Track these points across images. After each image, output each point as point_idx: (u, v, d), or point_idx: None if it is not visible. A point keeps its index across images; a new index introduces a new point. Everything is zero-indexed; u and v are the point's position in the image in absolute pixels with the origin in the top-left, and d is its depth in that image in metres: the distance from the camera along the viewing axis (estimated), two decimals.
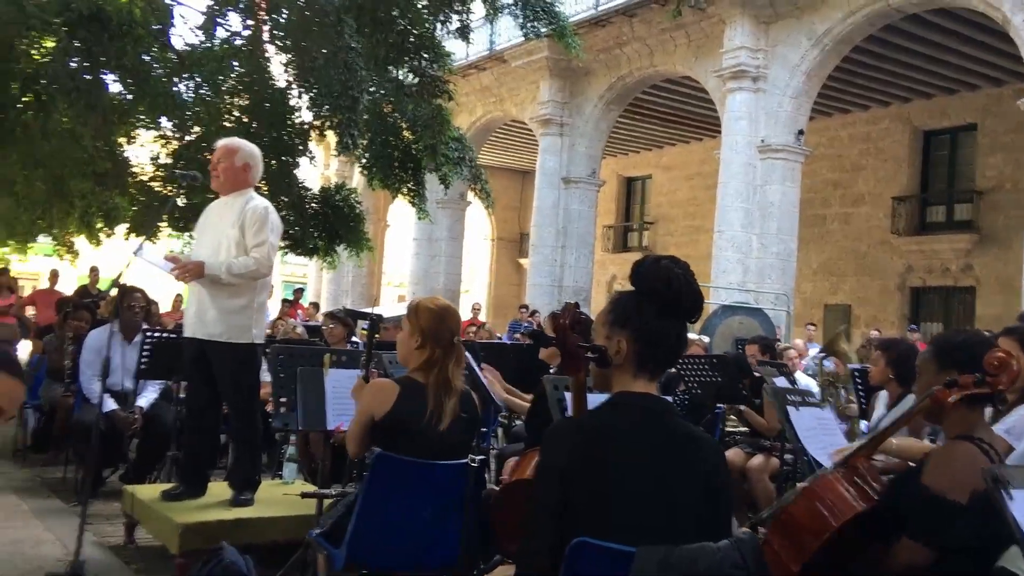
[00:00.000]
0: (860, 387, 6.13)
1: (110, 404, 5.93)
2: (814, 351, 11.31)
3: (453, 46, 12.62)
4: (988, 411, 3.11)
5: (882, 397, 5.03)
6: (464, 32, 12.26)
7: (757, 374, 6.13)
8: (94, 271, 13.38)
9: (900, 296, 18.72)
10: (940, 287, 18.28)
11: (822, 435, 4.18)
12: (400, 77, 11.79)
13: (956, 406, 2.52)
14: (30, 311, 12.75)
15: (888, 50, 15.32)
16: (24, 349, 12.05)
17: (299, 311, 15.52)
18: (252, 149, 4.85)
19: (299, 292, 18.69)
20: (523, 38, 13.86)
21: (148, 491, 4.93)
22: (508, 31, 18.38)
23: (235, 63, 11.56)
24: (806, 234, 16.93)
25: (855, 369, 6.49)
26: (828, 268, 19.78)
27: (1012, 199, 16.93)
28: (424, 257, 22.48)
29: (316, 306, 18.01)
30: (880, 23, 14.22)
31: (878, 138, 19.23)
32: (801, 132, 15.20)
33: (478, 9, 12.71)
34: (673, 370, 6.01)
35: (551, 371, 5.08)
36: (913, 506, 2.44)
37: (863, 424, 5.23)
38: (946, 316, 18.17)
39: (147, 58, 10.94)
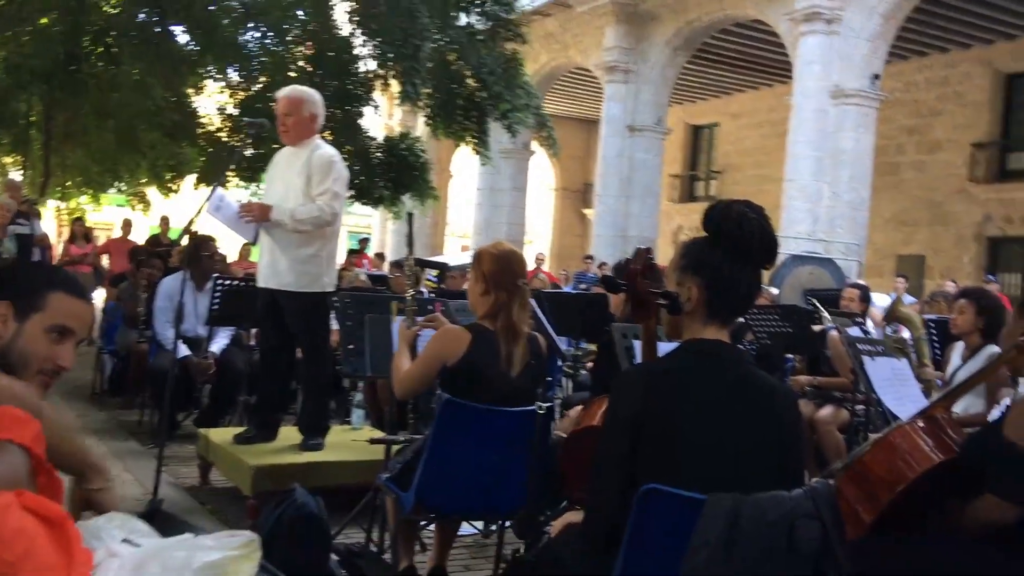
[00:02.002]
0: (935, 338, 5.98)
1: (184, 350, 6.06)
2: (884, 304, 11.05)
3: None
4: None
5: (957, 348, 4.89)
6: None
7: (820, 327, 6.00)
8: (164, 220, 13.65)
9: (976, 246, 18.15)
10: (1020, 237, 17.66)
11: (899, 385, 4.08)
12: (468, 22, 11.67)
13: None
14: (104, 260, 13.08)
15: None
16: (99, 297, 12.40)
17: (364, 260, 15.65)
18: (316, 96, 4.85)
19: (364, 242, 18.83)
20: None
21: (221, 434, 5.05)
22: None
23: (299, 11, 11.58)
24: (879, 183, 16.44)
25: (929, 319, 6.33)
26: (901, 218, 19.24)
27: None
28: (487, 207, 22.43)
29: (381, 256, 18.14)
30: None
31: (957, 82, 18.52)
32: (876, 76, 14.71)
33: None
34: (741, 320, 5.91)
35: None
36: (996, 461, 2.36)
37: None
38: None
39: (213, 8, 11.02)
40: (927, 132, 19.00)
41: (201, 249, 6.52)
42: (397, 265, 8.07)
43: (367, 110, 12.21)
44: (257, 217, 4.60)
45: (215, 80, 12.36)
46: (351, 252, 16.24)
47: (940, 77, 18.79)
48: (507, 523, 3.52)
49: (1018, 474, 2.32)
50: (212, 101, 12.67)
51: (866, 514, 2.40)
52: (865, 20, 14.44)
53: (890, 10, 14.31)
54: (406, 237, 3.85)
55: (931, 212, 18.80)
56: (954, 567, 2.34)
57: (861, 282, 7.82)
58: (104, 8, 11.06)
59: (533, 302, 5.43)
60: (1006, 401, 3.59)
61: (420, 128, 18.26)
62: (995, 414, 3.76)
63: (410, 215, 4.06)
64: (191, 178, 13.15)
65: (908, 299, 11.79)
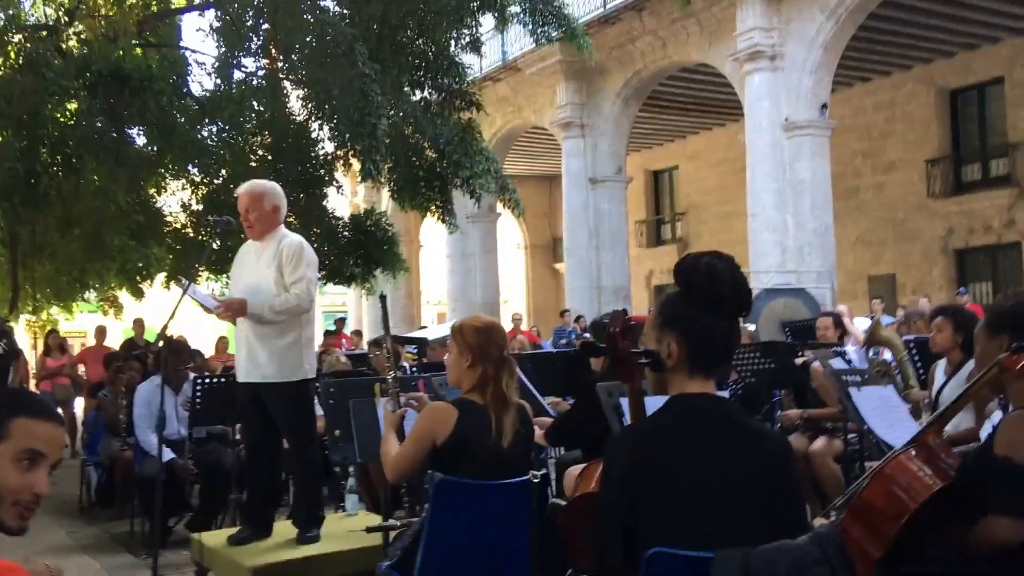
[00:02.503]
0: (916, 358, 6.02)
1: (168, 454, 5.98)
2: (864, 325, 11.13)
3: (466, 60, 12.65)
4: None
5: (940, 366, 4.92)
6: (476, 45, 12.28)
7: (802, 359, 6.03)
8: (138, 323, 13.55)
9: (944, 259, 18.39)
10: (984, 246, 17.92)
11: (887, 413, 4.09)
12: (423, 96, 11.82)
13: (1022, 372, 2.45)
14: (81, 369, 12.94)
15: (904, 12, 15.07)
16: (78, 407, 12.23)
17: (343, 340, 15.58)
18: (275, 188, 4.85)
19: (340, 322, 18.78)
20: (534, 44, 13.85)
21: (215, 537, 4.95)
22: (519, 40, 18.38)
23: (254, 103, 11.69)
24: (841, 207, 16.69)
25: (908, 340, 6.38)
26: (867, 239, 19.50)
27: None
28: (460, 272, 22.51)
29: (359, 334, 18.08)
30: None
31: (903, 102, 18.94)
32: (825, 106, 15.01)
33: (487, 22, 12.72)
34: None
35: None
36: (994, 479, 2.37)
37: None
38: (994, 275, 17.82)
39: (169, 109, 11.10)
40: (881, 154, 19.36)
41: (176, 361, 6.49)
42: (376, 344, 8.02)
43: (330, 191, 12.29)
44: (236, 313, 4.58)
45: (176, 179, 12.41)
46: (327, 333, 16.18)
47: (887, 100, 19.22)
48: None
49: (1017, 487, 2.33)
50: (176, 199, 12.70)
51: (874, 550, 2.39)
52: (807, 53, 14.77)
53: (829, 40, 14.65)
54: (381, 319, 3.85)
55: (896, 231, 19.07)
56: None
57: (833, 310, 7.88)
58: (60, 119, 11.11)
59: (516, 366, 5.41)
60: (996, 415, 3.61)
61: (385, 202, 18.39)
62: (986, 428, 3.78)
63: (383, 297, 4.06)
64: (161, 277, 13.11)
65: (887, 319, 11.90)
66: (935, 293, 16.90)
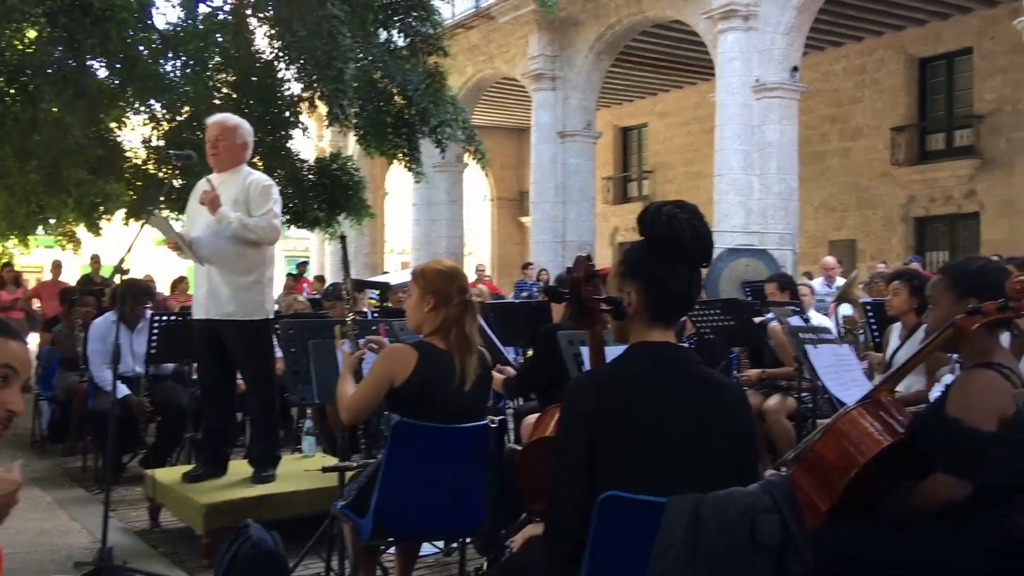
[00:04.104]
0: (872, 320, 6.11)
1: (123, 390, 5.93)
2: (821, 287, 11.27)
3: (440, 5, 12.44)
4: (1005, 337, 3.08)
5: (895, 329, 5.00)
6: None
7: (761, 319, 6.08)
8: (95, 259, 13.33)
9: (904, 227, 18.62)
10: (944, 215, 18.17)
11: (842, 371, 4.15)
12: (388, 38, 11.63)
13: (976, 333, 2.49)
14: (36, 304, 12.74)
15: None
16: (33, 342, 12.06)
17: (305, 284, 15.47)
18: (247, 125, 4.83)
19: (303, 266, 18.61)
20: None
21: (169, 474, 4.94)
22: None
23: (219, 38, 11.42)
24: (806, 172, 16.79)
25: (866, 303, 6.47)
26: (830, 204, 19.67)
27: (1012, 121, 16.75)
28: (425, 222, 22.38)
29: (321, 279, 17.94)
30: None
31: (873, 69, 19.01)
32: (795, 68, 15.02)
33: None
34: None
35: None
36: (942, 439, 2.42)
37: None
38: (952, 244, 18.09)
39: (131, 41, 10.81)
40: (848, 119, 19.46)
41: (134, 294, 6.41)
42: (333, 294, 7.86)
43: (296, 133, 12.09)
44: (211, 205, 4.47)
45: (138, 112, 12.13)
46: (290, 276, 16.05)
47: (857, 65, 19.27)
48: (468, 541, 3.50)
49: (965, 450, 2.38)
50: (137, 135, 12.42)
51: (822, 502, 2.44)
52: (780, 14, 14.74)
53: (803, 3, 14.62)
54: (341, 261, 3.82)
55: (858, 197, 19.25)
56: (908, 547, 2.39)
57: (780, 273, 7.95)
58: (18, 46, 10.78)
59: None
60: (946, 379, 3.67)
61: (352, 147, 18.16)
62: (936, 391, 3.85)
63: (343, 238, 4.03)
64: (120, 214, 12.87)
65: (839, 280, 12.04)
66: (893, 260, 17.11)
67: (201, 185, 4.76)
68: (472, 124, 13.11)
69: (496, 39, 20.20)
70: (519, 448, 3.42)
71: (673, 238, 2.05)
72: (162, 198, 10.35)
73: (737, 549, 1.83)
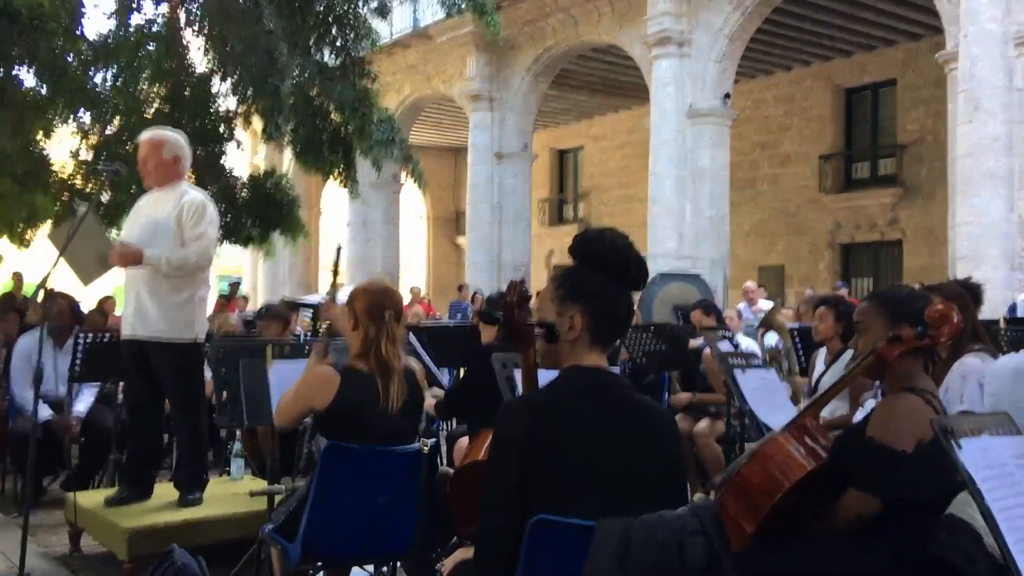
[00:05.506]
0: (799, 346, 6.24)
1: (45, 412, 5.74)
2: (745, 311, 11.49)
3: (378, 24, 12.41)
4: None
5: (821, 354, 5.12)
6: (382, 11, 12.04)
7: (695, 343, 6.17)
8: (17, 276, 12.94)
9: (831, 253, 19.10)
10: (868, 242, 18.70)
11: (768, 395, 4.23)
12: (324, 59, 11.57)
13: (899, 360, 2.56)
14: None
15: (807, 9, 15.52)
16: None
17: (234, 306, 15.20)
18: (178, 138, 4.71)
19: (235, 287, 18.30)
20: (445, 15, 13.71)
21: (91, 497, 4.80)
22: (432, 7, 18.14)
23: (152, 48, 11.23)
24: (737, 197, 17.15)
25: (793, 328, 6.61)
26: (760, 230, 20.08)
27: (933, 151, 17.33)
28: (360, 241, 22.22)
29: (245, 299, 17.61)
30: None
31: (802, 98, 19.53)
32: (727, 96, 15.34)
33: None
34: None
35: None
36: (859, 458, 2.48)
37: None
38: (876, 270, 18.60)
39: (60, 51, 10.57)
40: (778, 147, 19.93)
41: (53, 309, 6.21)
42: (260, 315, 7.71)
43: (231, 148, 11.93)
44: (130, 260, 4.38)
45: (66, 123, 11.84)
46: (222, 297, 15.78)
47: (786, 94, 19.77)
48: (399, 565, 3.47)
49: (876, 467, 2.44)
50: (65, 146, 12.12)
51: (748, 525, 2.47)
52: (712, 42, 15.06)
53: (735, 31, 14.96)
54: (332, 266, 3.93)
55: (787, 223, 19.70)
56: (828, 564, 2.44)
57: (702, 299, 8.09)
58: None
59: (412, 336, 5.39)
60: (869, 403, 3.77)
61: (287, 164, 17.97)
62: (859, 416, 3.95)
63: (338, 249, 4.08)
64: (45, 228, 12.52)
65: (766, 304, 12.31)
66: (820, 285, 17.53)
67: (144, 201, 4.67)
68: (409, 143, 13.10)
69: (434, 59, 20.24)
70: (451, 471, 3.41)
71: (619, 263, 2.09)
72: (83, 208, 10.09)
73: (666, 571, 1.85)
